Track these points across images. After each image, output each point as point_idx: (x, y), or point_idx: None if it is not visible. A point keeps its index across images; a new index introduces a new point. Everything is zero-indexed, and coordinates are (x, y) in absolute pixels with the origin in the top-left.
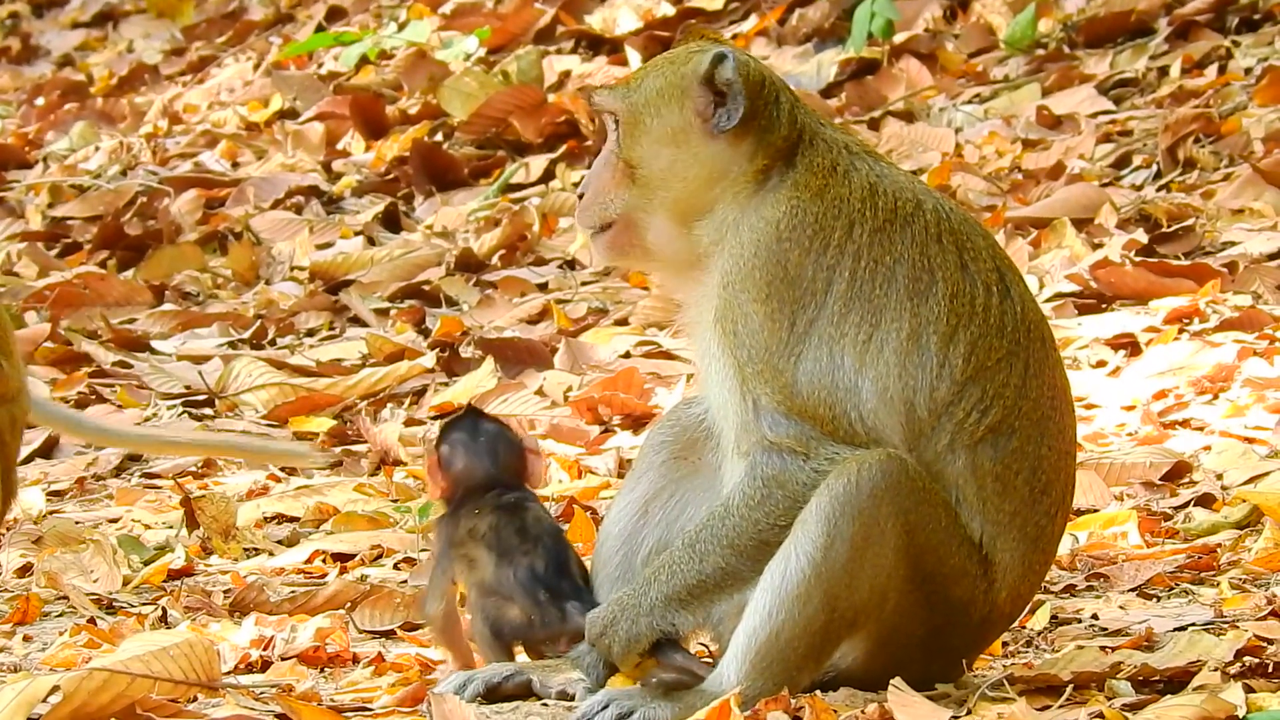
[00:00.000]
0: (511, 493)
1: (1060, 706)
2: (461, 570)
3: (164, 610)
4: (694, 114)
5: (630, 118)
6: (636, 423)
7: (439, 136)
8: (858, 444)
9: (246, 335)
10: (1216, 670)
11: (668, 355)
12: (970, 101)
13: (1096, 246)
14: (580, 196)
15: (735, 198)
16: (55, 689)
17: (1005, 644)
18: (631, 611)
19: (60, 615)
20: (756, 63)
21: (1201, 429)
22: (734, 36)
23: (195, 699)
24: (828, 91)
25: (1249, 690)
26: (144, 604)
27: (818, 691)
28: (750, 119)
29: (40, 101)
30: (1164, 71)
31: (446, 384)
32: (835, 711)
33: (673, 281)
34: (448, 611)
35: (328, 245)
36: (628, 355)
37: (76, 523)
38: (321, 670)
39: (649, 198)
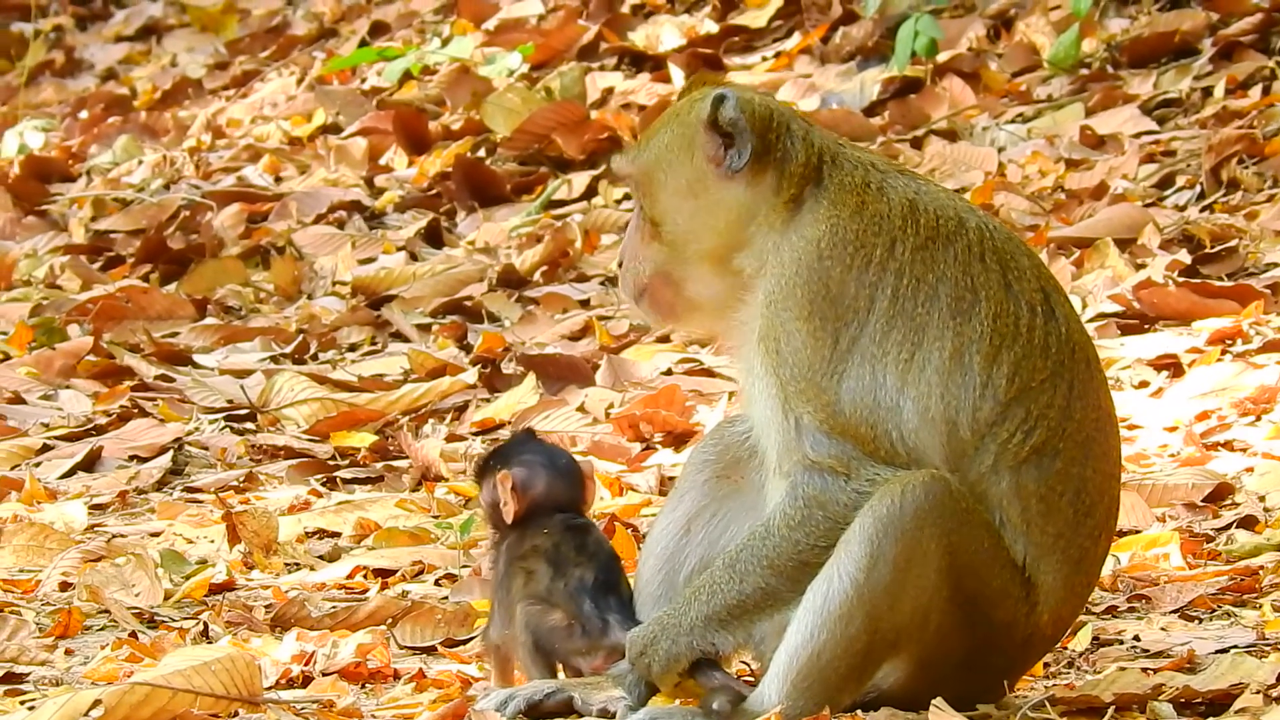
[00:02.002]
0: (578, 518)
1: None
2: (519, 584)
3: (205, 625)
4: (705, 160)
5: (646, 178)
6: (678, 440)
7: (482, 152)
8: (898, 464)
9: (288, 350)
10: (1259, 693)
11: (709, 373)
12: (1013, 121)
13: (1139, 267)
14: (619, 266)
15: (772, 227)
16: (97, 703)
17: (1046, 665)
18: (672, 631)
19: (102, 629)
20: (762, 96)
21: (1244, 450)
22: (777, 55)
23: (236, 714)
24: (870, 110)
25: None
26: (185, 618)
27: (859, 711)
28: (764, 153)
29: (84, 115)
30: (1208, 92)
31: (488, 400)
32: None
33: (723, 327)
34: (510, 636)
35: (370, 260)
36: (669, 372)
37: (117, 537)
38: (362, 686)
39: (680, 252)
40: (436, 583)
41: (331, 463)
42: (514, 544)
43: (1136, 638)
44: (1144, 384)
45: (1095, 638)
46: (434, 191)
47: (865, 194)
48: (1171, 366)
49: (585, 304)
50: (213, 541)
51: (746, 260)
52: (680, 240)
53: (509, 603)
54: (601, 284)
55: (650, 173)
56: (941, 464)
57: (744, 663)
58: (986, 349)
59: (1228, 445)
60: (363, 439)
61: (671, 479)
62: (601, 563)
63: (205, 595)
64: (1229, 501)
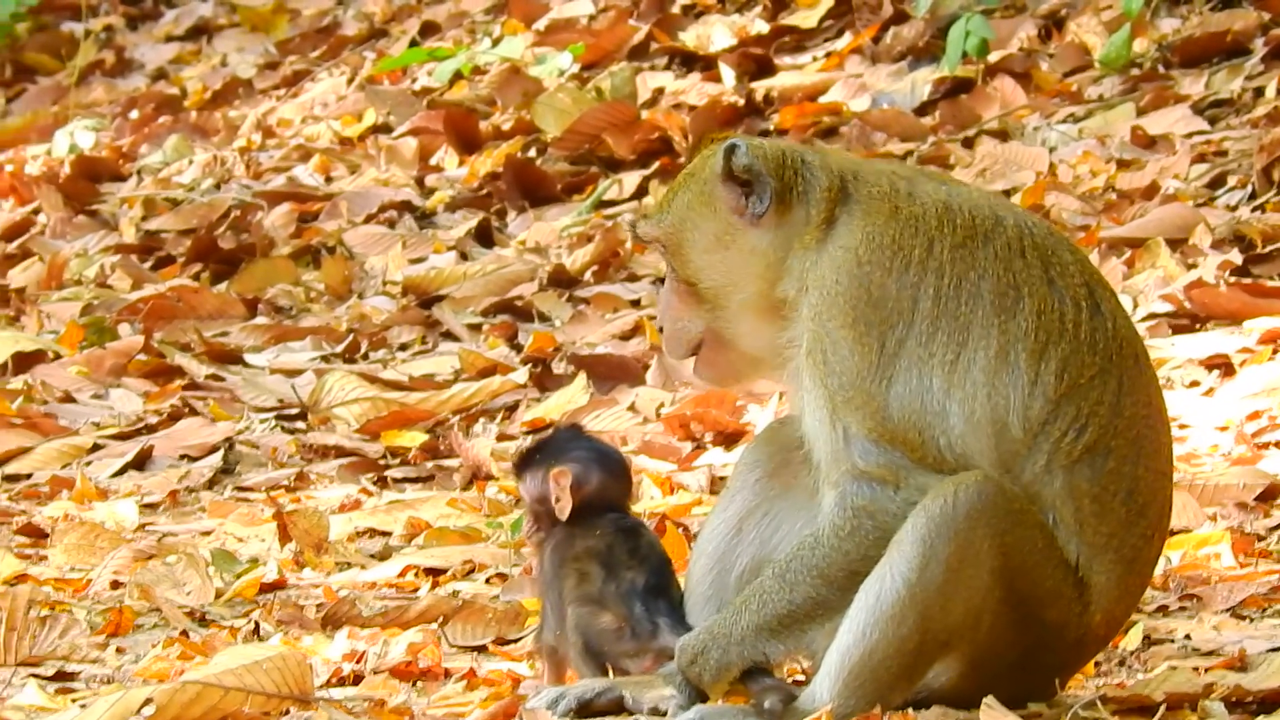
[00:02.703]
0: (628, 518)
1: None
2: (571, 585)
3: (256, 623)
4: (729, 212)
5: (673, 240)
6: (728, 440)
7: (532, 152)
8: (946, 471)
9: (339, 349)
10: None
11: None
12: (1064, 121)
13: (1191, 267)
14: (660, 331)
15: (808, 249)
16: (149, 701)
17: (1098, 664)
18: (723, 640)
19: (153, 628)
20: (771, 141)
21: None
22: (828, 55)
23: (288, 712)
24: (921, 110)
25: None
26: (236, 617)
27: (910, 710)
28: (785, 191)
29: (134, 115)
30: (1259, 92)
31: (538, 399)
32: None
33: (782, 373)
34: (562, 636)
35: (420, 260)
36: None
37: (168, 535)
38: (413, 684)
39: (724, 307)
40: (487, 581)
41: (382, 462)
42: (563, 543)
43: (1188, 636)
44: (1195, 384)
45: (1146, 636)
46: (484, 191)
47: (896, 199)
48: (1222, 366)
49: (635, 304)
50: (263, 540)
51: (787, 286)
52: (721, 295)
53: (560, 603)
54: (652, 284)
55: (676, 235)
56: (993, 466)
57: (795, 661)
58: (1032, 345)
59: (1279, 445)
60: (413, 438)
61: (722, 479)
62: (653, 566)
63: (256, 594)
64: None
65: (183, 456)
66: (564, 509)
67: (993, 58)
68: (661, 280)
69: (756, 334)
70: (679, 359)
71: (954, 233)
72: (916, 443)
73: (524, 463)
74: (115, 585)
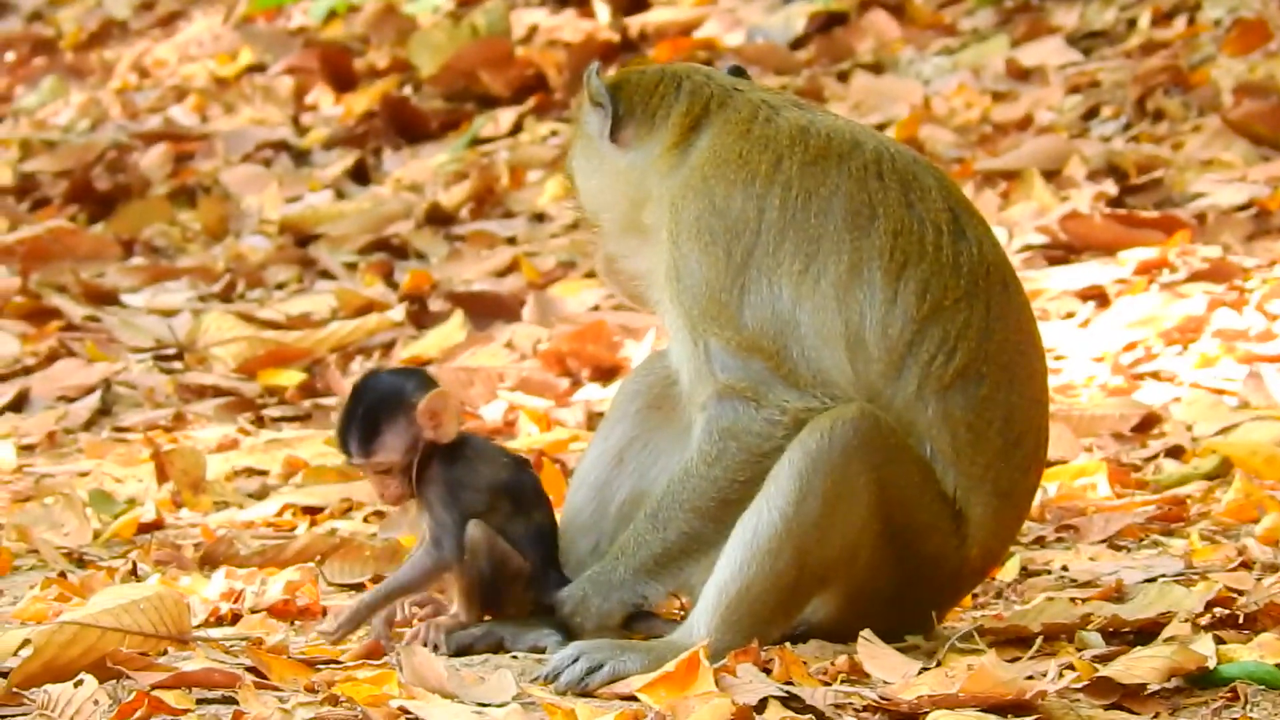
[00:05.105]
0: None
1: (1030, 658)
2: (475, 513)
3: (134, 564)
4: (595, 135)
5: (570, 174)
6: (606, 375)
7: (407, 90)
8: (804, 387)
9: (216, 289)
10: (1187, 621)
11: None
12: (939, 54)
13: (1065, 198)
14: None
15: (662, 175)
16: (26, 642)
17: (975, 595)
18: (603, 588)
19: (31, 569)
20: (655, 66)
21: (1171, 380)
22: None
23: (166, 652)
24: (796, 44)
25: (1219, 641)
26: (114, 557)
27: (788, 644)
28: (647, 115)
29: (10, 56)
30: (1132, 23)
31: (415, 337)
32: (805, 663)
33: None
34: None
35: (296, 199)
36: (597, 308)
37: (46, 476)
38: (292, 623)
39: (605, 228)
40: (365, 520)
41: (259, 401)
42: (449, 469)
43: (1065, 567)
44: (1071, 315)
45: (1024, 568)
46: (360, 130)
47: (752, 123)
48: (1098, 297)
49: (512, 241)
50: (141, 480)
51: (650, 213)
52: (595, 214)
53: (458, 527)
54: (528, 220)
55: (569, 166)
56: (850, 386)
57: (675, 599)
58: (888, 264)
59: (1155, 375)
60: (290, 377)
61: (599, 414)
62: (549, 511)
63: (134, 534)
64: (1156, 431)
65: (60, 398)
66: (451, 428)
67: None
68: (538, 216)
69: (639, 255)
70: (605, 279)
71: (805, 151)
72: (772, 351)
73: (365, 433)
74: None
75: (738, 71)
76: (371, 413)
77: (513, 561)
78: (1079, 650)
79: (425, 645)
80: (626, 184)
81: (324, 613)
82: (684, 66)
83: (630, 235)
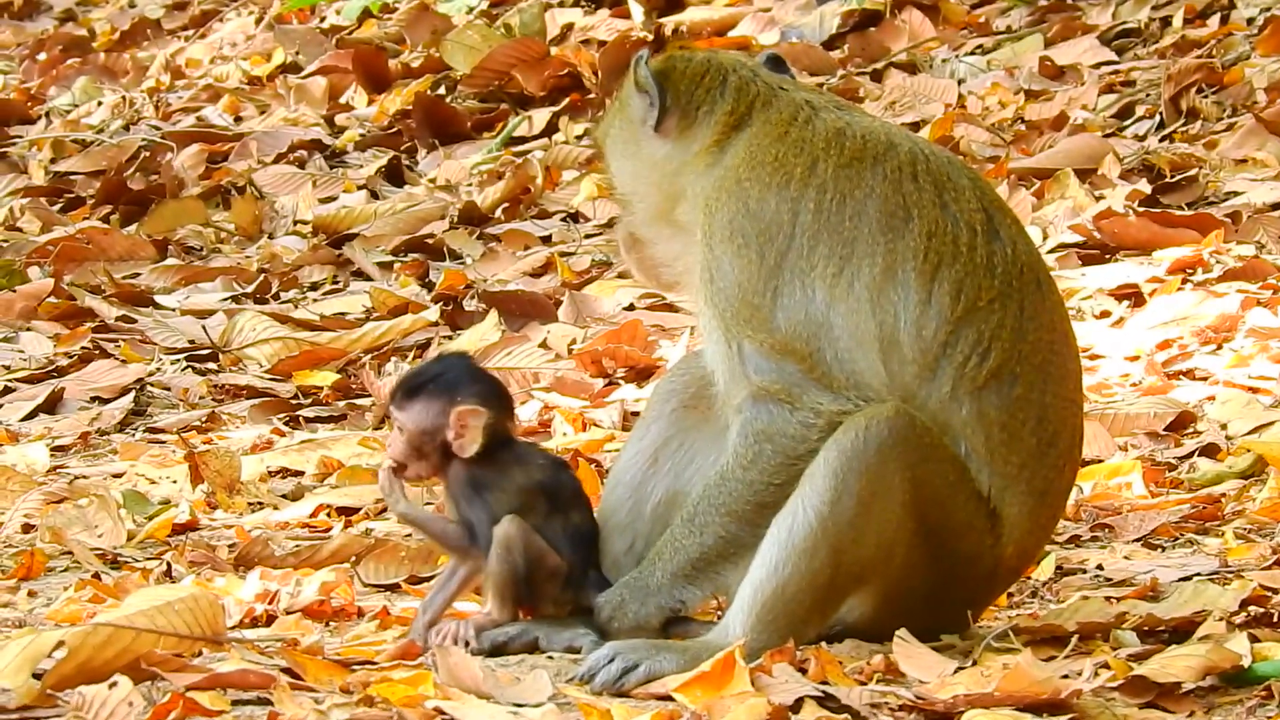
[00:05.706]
0: (549, 454)
1: (1065, 657)
2: (510, 511)
3: (169, 565)
4: (637, 121)
5: (601, 143)
6: (640, 375)
7: (442, 90)
8: (838, 389)
9: (250, 289)
10: (1221, 620)
11: (671, 308)
12: (973, 53)
13: (1099, 197)
14: None
15: (698, 174)
16: (60, 644)
17: (1010, 595)
18: (640, 593)
19: (65, 570)
20: (705, 53)
21: (1205, 379)
22: None
23: (200, 653)
24: (830, 44)
25: (1254, 640)
26: (148, 559)
27: (823, 644)
28: (691, 107)
29: (42, 57)
30: (1166, 22)
31: (450, 338)
32: (840, 663)
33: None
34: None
35: (331, 199)
36: (631, 308)
37: (80, 478)
38: (326, 624)
39: (634, 212)
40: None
41: (294, 402)
42: (483, 470)
43: (1100, 566)
44: (1105, 314)
45: (1059, 567)
46: (394, 130)
47: (790, 125)
48: (1132, 296)
49: (547, 240)
50: (175, 482)
51: (684, 212)
52: (629, 200)
53: (489, 525)
54: (563, 220)
55: (604, 140)
56: (884, 388)
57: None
58: (922, 265)
59: (1189, 374)
60: (325, 378)
61: (635, 414)
62: (590, 511)
63: (168, 535)
64: (1191, 430)
65: (94, 399)
66: (469, 447)
67: None
68: (573, 216)
69: (665, 242)
70: (623, 254)
71: (840, 154)
72: (805, 354)
73: (411, 391)
74: (27, 528)
75: (777, 62)
76: (427, 382)
77: (549, 560)
78: (1114, 649)
79: (456, 642)
80: (661, 175)
81: (359, 614)
82: (730, 59)
83: (659, 224)
